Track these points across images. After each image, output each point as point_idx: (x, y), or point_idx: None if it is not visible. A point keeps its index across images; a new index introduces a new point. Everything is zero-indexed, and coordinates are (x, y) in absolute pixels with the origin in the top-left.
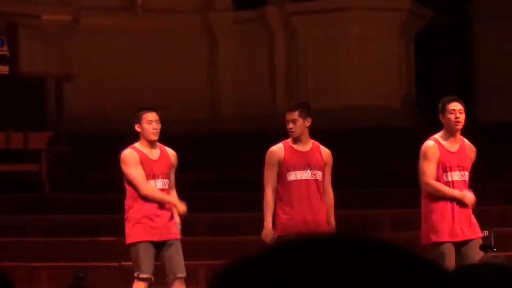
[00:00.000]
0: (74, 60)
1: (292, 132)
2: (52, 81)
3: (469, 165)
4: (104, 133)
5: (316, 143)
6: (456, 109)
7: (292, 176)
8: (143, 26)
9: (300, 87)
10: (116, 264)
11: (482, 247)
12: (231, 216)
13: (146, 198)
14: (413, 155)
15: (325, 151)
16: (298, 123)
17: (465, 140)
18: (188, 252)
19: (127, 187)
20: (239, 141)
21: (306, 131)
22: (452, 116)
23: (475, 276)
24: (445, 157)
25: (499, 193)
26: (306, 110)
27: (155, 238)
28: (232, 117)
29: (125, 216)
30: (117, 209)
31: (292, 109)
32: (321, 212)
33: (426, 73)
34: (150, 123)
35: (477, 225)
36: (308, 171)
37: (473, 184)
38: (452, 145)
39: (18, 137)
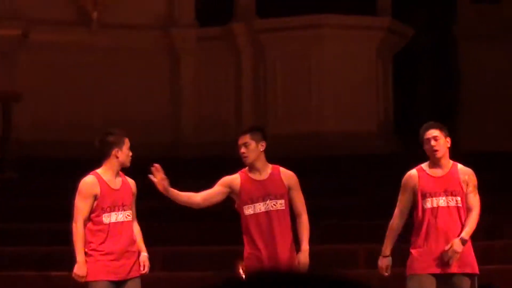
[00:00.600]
0: (22, 78)
1: (245, 157)
2: None
3: (461, 189)
4: (55, 157)
5: (276, 167)
6: (430, 137)
7: (251, 209)
8: (99, 42)
9: (268, 110)
10: None
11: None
12: (190, 249)
13: (112, 232)
14: (390, 185)
15: (286, 175)
16: (251, 146)
17: (459, 164)
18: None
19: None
20: (201, 168)
21: (262, 157)
22: (428, 146)
23: None
24: (426, 182)
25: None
26: (259, 133)
27: (116, 278)
28: (194, 141)
29: (85, 250)
30: (69, 240)
31: (243, 133)
32: (285, 246)
33: (406, 95)
34: (129, 150)
35: (469, 259)
36: (267, 201)
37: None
38: (437, 171)
39: None
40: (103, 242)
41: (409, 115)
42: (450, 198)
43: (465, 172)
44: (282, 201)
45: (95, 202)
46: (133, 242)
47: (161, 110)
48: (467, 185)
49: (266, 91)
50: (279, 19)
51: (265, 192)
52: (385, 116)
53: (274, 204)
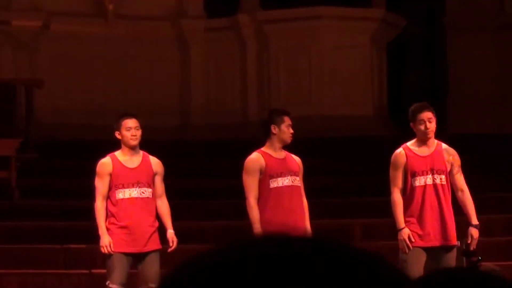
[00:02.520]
0: (44, 66)
1: (292, 136)
2: (22, 87)
3: (445, 168)
4: (73, 139)
5: (286, 151)
6: (425, 119)
7: (275, 183)
8: (115, 32)
9: (271, 95)
10: (87, 271)
11: (464, 253)
12: (200, 225)
13: (125, 207)
14: (385, 164)
15: (297, 159)
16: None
17: (443, 144)
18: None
19: (109, 193)
20: (209, 149)
21: None
22: (422, 127)
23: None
24: (414, 161)
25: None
26: None
27: (131, 250)
28: (203, 124)
29: (106, 223)
30: (87, 216)
31: (288, 114)
32: (303, 217)
33: (398, 81)
34: (129, 130)
35: (454, 233)
36: (289, 177)
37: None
38: (423, 150)
39: None
40: (117, 217)
41: (401, 100)
42: (435, 176)
43: (449, 153)
44: (299, 179)
45: (111, 180)
46: (151, 217)
47: (172, 96)
48: (451, 165)
49: (270, 78)
50: (281, 10)
51: (287, 168)
52: (379, 101)
53: (293, 180)
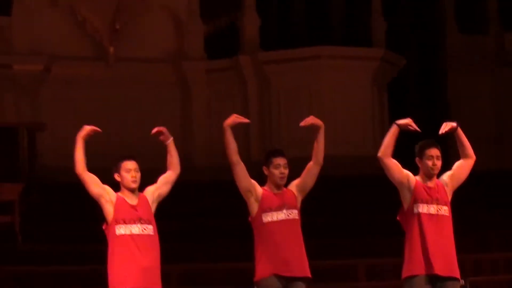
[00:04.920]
0: (46, 110)
1: (283, 177)
2: (24, 131)
3: (447, 199)
4: (75, 182)
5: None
6: (434, 155)
7: (269, 217)
8: (116, 75)
9: (273, 136)
10: None
11: None
12: (202, 267)
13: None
14: (387, 203)
15: (290, 188)
16: (287, 169)
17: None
18: None
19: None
20: (211, 191)
21: None
22: (429, 162)
23: None
24: (420, 188)
25: (474, 241)
26: None
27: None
28: (205, 166)
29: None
30: (92, 260)
31: (282, 154)
32: (298, 253)
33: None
34: (128, 172)
35: (456, 265)
36: (284, 211)
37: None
38: (428, 182)
39: None
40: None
41: (403, 140)
42: (439, 206)
43: (443, 180)
44: (296, 212)
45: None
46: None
47: (174, 137)
48: (450, 178)
49: (271, 118)
50: (281, 51)
51: (283, 202)
52: (380, 140)
53: (289, 214)
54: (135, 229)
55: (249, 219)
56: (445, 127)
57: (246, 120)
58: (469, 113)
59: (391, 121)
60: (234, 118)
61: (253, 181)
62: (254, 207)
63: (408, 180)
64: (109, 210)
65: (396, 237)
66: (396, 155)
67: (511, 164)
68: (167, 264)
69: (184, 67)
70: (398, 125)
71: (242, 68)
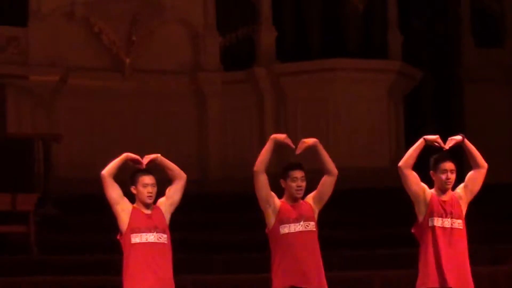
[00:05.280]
0: (62, 121)
1: (301, 190)
2: (40, 142)
3: (461, 212)
4: (91, 193)
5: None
6: (448, 169)
7: (286, 229)
8: (132, 86)
9: (289, 148)
10: None
11: None
12: (217, 278)
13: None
14: (403, 216)
15: (307, 200)
16: (305, 182)
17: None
18: None
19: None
20: (227, 203)
21: None
22: (443, 176)
23: None
24: (435, 202)
25: (489, 254)
26: None
27: None
28: (221, 178)
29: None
30: (106, 271)
31: (300, 167)
32: (315, 267)
33: (415, 133)
34: (145, 187)
35: (470, 278)
36: (302, 222)
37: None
38: (443, 196)
39: (6, 198)
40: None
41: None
42: (454, 220)
43: (457, 193)
44: (313, 223)
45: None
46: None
47: (190, 149)
48: (464, 190)
49: (287, 130)
50: (297, 63)
51: (300, 214)
52: (397, 152)
53: (307, 225)
54: (151, 237)
55: (266, 231)
56: (450, 142)
57: (292, 146)
58: (485, 126)
59: (407, 134)
60: (285, 138)
61: (272, 193)
62: (271, 219)
63: (424, 193)
64: (124, 219)
65: (411, 249)
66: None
67: None
68: (181, 274)
69: (200, 78)
70: (426, 140)
71: (258, 80)
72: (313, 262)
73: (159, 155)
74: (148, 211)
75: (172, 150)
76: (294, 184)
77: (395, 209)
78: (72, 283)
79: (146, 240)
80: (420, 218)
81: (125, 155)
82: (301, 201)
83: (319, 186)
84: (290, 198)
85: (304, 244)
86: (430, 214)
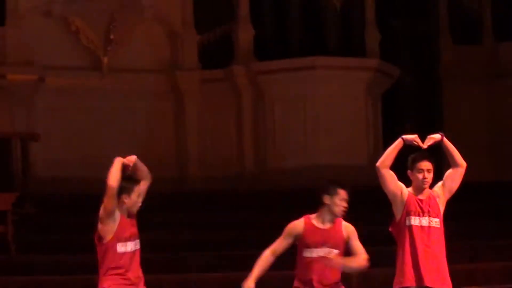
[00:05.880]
0: (40, 120)
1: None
2: (18, 141)
3: (439, 211)
4: (71, 193)
5: (339, 219)
6: (424, 169)
7: (308, 253)
8: (110, 85)
9: (267, 146)
10: None
11: None
12: (196, 277)
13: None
14: (380, 214)
15: (346, 229)
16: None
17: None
18: None
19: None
20: (205, 201)
21: None
22: (420, 175)
23: None
24: (412, 201)
25: (467, 252)
26: None
27: None
28: (199, 176)
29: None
30: (85, 270)
31: (347, 188)
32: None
33: (393, 131)
34: (139, 197)
35: (448, 276)
36: (326, 249)
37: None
38: (420, 195)
39: None
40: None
41: None
42: (431, 219)
43: (435, 191)
44: (338, 251)
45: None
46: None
47: (168, 148)
48: (442, 189)
49: (265, 128)
50: (276, 61)
51: (327, 240)
52: (374, 150)
53: (330, 252)
54: (133, 246)
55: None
56: (429, 141)
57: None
58: (463, 123)
59: (385, 131)
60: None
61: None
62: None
63: (401, 192)
64: (111, 228)
65: (389, 247)
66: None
67: (505, 175)
68: (159, 274)
69: (178, 77)
70: (404, 140)
71: (236, 78)
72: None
73: (135, 156)
74: (129, 219)
75: (150, 149)
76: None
77: (373, 207)
78: (51, 283)
79: (130, 249)
80: (398, 217)
81: (119, 160)
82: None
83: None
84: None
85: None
86: (407, 213)
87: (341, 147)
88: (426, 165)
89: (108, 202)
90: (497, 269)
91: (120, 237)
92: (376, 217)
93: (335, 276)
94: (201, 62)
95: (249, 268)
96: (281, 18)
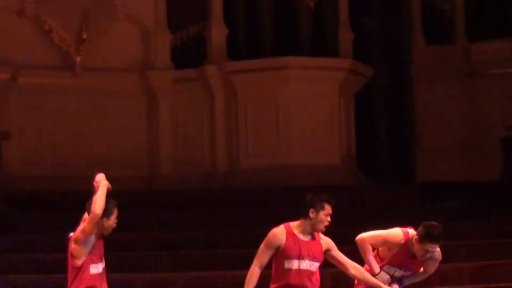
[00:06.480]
0: (12, 118)
1: (326, 226)
2: None
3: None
4: (42, 191)
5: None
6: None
7: (290, 264)
8: (82, 84)
9: (240, 146)
10: None
11: None
12: (167, 276)
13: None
14: (353, 214)
15: (325, 242)
16: None
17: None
18: None
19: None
20: (177, 200)
21: None
22: (423, 254)
23: None
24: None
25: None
26: None
27: None
28: (171, 175)
29: None
30: (56, 269)
31: (333, 203)
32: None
33: (366, 131)
34: (116, 218)
35: None
36: (307, 261)
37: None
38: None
39: None
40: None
41: (370, 150)
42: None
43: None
44: (318, 264)
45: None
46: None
47: (140, 146)
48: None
49: (238, 128)
50: (248, 61)
51: (307, 252)
52: (347, 150)
53: (311, 265)
54: (101, 266)
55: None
56: None
57: None
58: (435, 123)
59: (358, 130)
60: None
61: (274, 247)
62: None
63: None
64: (86, 250)
65: (355, 246)
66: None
67: (478, 174)
68: (131, 273)
69: (150, 76)
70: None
71: (209, 77)
72: None
73: (103, 175)
74: (101, 240)
75: (123, 148)
76: (325, 219)
77: (345, 207)
78: (23, 281)
79: (101, 269)
80: None
81: (105, 185)
82: (316, 237)
83: (333, 254)
84: (306, 229)
85: (304, 281)
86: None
87: (313, 147)
88: (435, 248)
89: (91, 228)
90: (470, 268)
91: (93, 259)
92: (348, 217)
93: (315, 284)
94: (174, 62)
95: (222, 266)
96: (254, 18)
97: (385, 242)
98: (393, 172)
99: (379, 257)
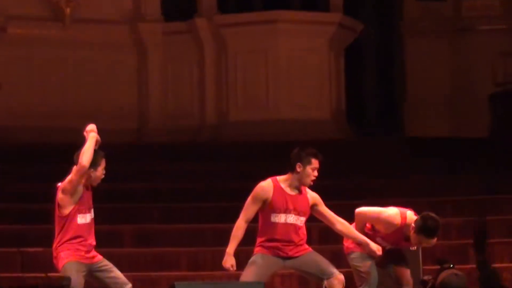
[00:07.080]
0: (1, 69)
1: (314, 180)
2: None
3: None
4: (32, 142)
5: (303, 187)
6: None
7: (277, 218)
8: (72, 36)
9: (229, 99)
10: (43, 275)
11: (438, 261)
12: (156, 227)
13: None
14: (342, 168)
15: (312, 197)
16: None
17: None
18: (115, 264)
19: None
20: (166, 152)
21: None
22: (420, 242)
23: None
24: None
25: (428, 207)
26: None
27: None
28: (160, 128)
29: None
30: (44, 219)
31: (320, 157)
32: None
33: (355, 86)
34: (104, 169)
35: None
36: (293, 216)
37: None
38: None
39: None
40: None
41: (359, 104)
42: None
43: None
44: (303, 219)
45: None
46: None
47: (130, 99)
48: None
49: (227, 82)
50: (238, 14)
51: (294, 206)
52: (337, 105)
53: (297, 219)
54: (89, 216)
55: None
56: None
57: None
58: (425, 78)
59: (348, 85)
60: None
61: (261, 200)
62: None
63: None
64: (73, 200)
65: (354, 201)
66: None
67: (466, 130)
68: (120, 224)
69: (140, 29)
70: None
71: (199, 30)
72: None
73: (95, 126)
74: (89, 191)
75: (112, 100)
76: (312, 173)
77: (336, 161)
78: (10, 232)
79: (89, 220)
80: None
81: (94, 137)
82: (303, 191)
83: (320, 210)
84: (293, 183)
85: (291, 234)
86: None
87: (303, 101)
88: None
89: (77, 179)
90: (457, 224)
91: (80, 209)
92: (339, 171)
93: (301, 237)
94: (164, 14)
95: (208, 219)
96: None
97: (381, 222)
98: (381, 126)
99: (374, 229)
